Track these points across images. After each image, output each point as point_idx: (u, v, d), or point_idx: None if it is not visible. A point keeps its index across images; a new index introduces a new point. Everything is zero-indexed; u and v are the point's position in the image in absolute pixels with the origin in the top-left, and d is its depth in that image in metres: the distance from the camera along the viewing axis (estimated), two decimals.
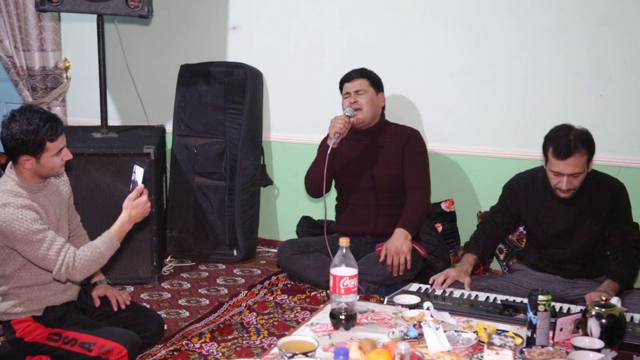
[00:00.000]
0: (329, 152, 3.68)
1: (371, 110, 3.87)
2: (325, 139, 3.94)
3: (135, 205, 2.83)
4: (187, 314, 3.66)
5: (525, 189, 3.43)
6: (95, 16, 4.15)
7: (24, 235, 2.67)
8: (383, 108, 3.99)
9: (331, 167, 3.81)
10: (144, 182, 2.86)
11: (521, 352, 2.32)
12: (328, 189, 4.01)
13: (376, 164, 3.88)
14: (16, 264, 2.80)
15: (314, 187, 3.91)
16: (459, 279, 3.24)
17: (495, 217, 3.54)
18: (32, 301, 2.86)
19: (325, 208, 3.77)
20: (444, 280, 3.23)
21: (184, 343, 3.24)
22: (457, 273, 3.27)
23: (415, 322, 2.53)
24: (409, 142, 3.90)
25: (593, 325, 2.40)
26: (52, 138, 2.73)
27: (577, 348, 2.34)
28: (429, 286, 3.22)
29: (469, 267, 3.38)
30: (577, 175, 3.16)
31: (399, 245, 3.62)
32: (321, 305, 3.01)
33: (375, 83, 3.93)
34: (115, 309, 3.05)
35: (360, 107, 3.85)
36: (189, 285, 4.07)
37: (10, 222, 2.67)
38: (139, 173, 2.85)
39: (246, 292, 3.86)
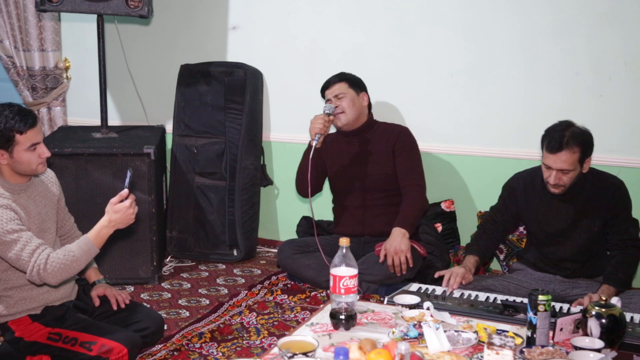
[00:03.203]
0: (312, 152, 3.68)
1: (354, 111, 3.85)
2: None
3: (116, 210, 2.69)
4: (187, 314, 3.66)
5: (525, 188, 3.43)
6: (95, 16, 4.15)
7: None
8: (370, 108, 3.98)
9: (317, 166, 3.84)
10: (129, 187, 2.73)
11: (521, 352, 2.32)
12: (320, 189, 4.04)
13: (368, 164, 3.87)
14: (1, 265, 2.79)
15: (302, 187, 3.90)
16: (465, 277, 3.25)
17: (495, 217, 3.55)
18: (25, 301, 2.85)
19: (311, 207, 3.79)
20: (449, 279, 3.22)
21: (184, 343, 3.24)
22: (464, 270, 3.27)
23: (415, 322, 2.53)
24: (399, 140, 3.88)
25: (593, 325, 2.40)
26: (20, 130, 2.70)
27: (577, 348, 2.34)
28: (429, 286, 3.22)
29: (472, 268, 3.37)
30: (567, 172, 3.16)
31: (397, 244, 3.61)
32: (321, 305, 3.01)
33: (355, 84, 3.91)
34: (114, 308, 3.04)
35: (342, 111, 3.83)
36: (189, 285, 4.07)
37: None
38: (128, 177, 2.77)
39: (246, 292, 3.86)
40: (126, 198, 2.71)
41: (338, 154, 3.90)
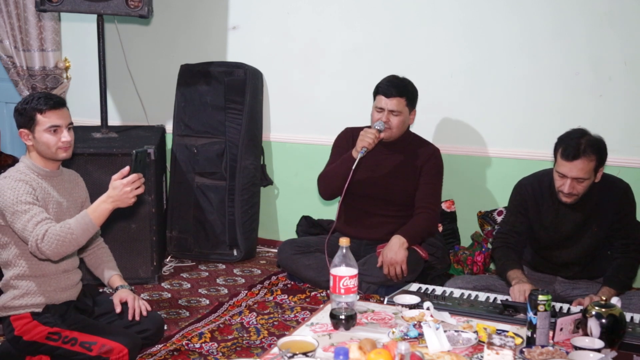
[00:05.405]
0: (354, 166, 3.62)
1: (400, 130, 3.76)
2: (342, 137, 3.91)
3: (113, 186, 2.68)
4: (187, 314, 3.66)
5: (534, 194, 3.34)
6: (95, 16, 4.15)
7: (12, 203, 2.72)
8: None
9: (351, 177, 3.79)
10: (131, 165, 2.69)
11: (521, 352, 2.32)
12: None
13: (392, 176, 3.81)
14: (17, 248, 2.84)
15: (329, 191, 3.84)
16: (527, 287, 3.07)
17: (516, 228, 3.39)
18: (31, 295, 2.86)
19: (337, 212, 3.78)
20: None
21: (184, 343, 3.24)
22: (529, 285, 3.09)
23: (415, 322, 2.53)
24: (429, 161, 3.81)
25: (593, 325, 2.40)
26: (40, 109, 2.81)
27: (577, 348, 2.34)
28: (429, 286, 3.22)
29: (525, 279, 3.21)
30: (582, 181, 3.10)
31: (393, 254, 3.60)
32: (321, 305, 3.01)
33: (412, 101, 3.77)
34: (130, 318, 3.01)
35: (390, 127, 3.72)
36: (189, 285, 4.07)
37: (4, 190, 2.75)
38: (133, 156, 2.71)
39: (246, 292, 3.86)
40: (127, 176, 2.69)
41: (365, 159, 3.75)
